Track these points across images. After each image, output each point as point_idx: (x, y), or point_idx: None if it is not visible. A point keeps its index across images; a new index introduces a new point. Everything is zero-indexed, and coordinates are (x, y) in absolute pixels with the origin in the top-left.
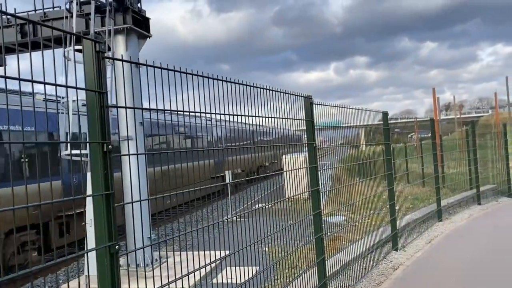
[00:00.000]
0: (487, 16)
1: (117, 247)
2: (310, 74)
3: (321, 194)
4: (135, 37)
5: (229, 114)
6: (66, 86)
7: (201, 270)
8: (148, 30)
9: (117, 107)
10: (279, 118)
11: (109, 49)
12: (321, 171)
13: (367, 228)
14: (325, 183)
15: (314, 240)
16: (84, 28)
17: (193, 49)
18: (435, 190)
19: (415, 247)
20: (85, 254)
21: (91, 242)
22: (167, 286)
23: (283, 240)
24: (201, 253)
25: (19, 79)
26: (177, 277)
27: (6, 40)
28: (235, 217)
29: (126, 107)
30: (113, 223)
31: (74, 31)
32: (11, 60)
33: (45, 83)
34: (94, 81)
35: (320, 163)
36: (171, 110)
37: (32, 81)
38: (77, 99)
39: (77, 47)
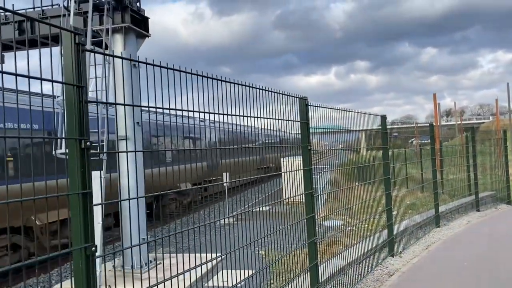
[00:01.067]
0: (488, 23)
1: (93, 248)
2: (311, 77)
3: (316, 197)
4: (134, 36)
5: (224, 114)
6: (53, 81)
7: (196, 271)
8: (147, 29)
9: (97, 102)
10: (274, 119)
11: (107, 48)
12: (320, 174)
13: (364, 233)
14: (324, 186)
15: (307, 244)
16: (82, 27)
17: (194, 51)
18: (433, 196)
19: (411, 253)
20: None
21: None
22: (161, 285)
23: (280, 244)
24: (197, 255)
25: (16, 75)
26: (172, 279)
27: (4, 37)
28: (231, 219)
29: (105, 102)
30: (89, 223)
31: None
32: (9, 59)
33: (41, 79)
34: (72, 74)
35: (320, 166)
36: (169, 108)
37: (29, 77)
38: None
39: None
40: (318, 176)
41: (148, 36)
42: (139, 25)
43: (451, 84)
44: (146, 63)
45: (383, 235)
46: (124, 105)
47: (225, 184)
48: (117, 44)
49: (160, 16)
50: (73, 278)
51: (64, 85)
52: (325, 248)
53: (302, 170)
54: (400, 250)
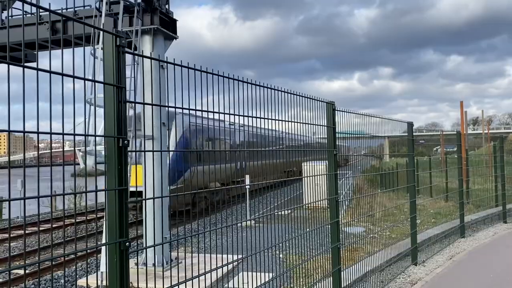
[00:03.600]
0: None
1: (127, 244)
2: (333, 82)
3: (340, 203)
4: (162, 38)
5: (252, 117)
6: (85, 79)
7: (216, 272)
8: (174, 31)
9: (135, 102)
10: (301, 123)
11: (135, 49)
12: (343, 180)
13: (387, 241)
14: (346, 192)
15: (330, 249)
16: (112, 27)
17: (218, 55)
18: (458, 205)
19: (435, 262)
20: (105, 250)
21: None
22: (182, 284)
23: (299, 248)
24: (218, 256)
25: (50, 72)
26: (192, 278)
27: (36, 37)
28: (252, 222)
29: (144, 103)
30: (125, 219)
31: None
32: (41, 58)
33: (74, 77)
34: (113, 75)
35: (342, 172)
36: (195, 110)
37: (62, 75)
38: (94, 95)
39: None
40: (341, 182)
41: (176, 38)
42: (167, 27)
43: (477, 92)
44: (182, 66)
45: (406, 243)
46: (160, 105)
47: (246, 187)
48: (146, 45)
49: (185, 20)
50: (99, 273)
51: (104, 85)
52: (347, 254)
53: (326, 175)
54: (424, 259)
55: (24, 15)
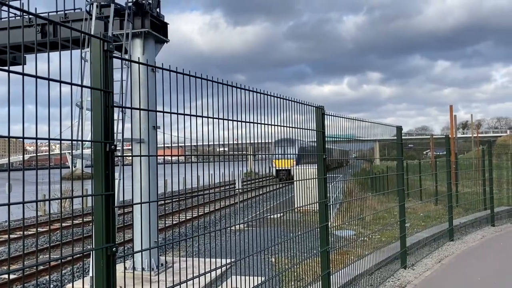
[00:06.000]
0: (499, 38)
1: (114, 249)
2: (323, 87)
3: (330, 206)
4: (153, 41)
5: (241, 121)
6: (72, 84)
7: (206, 276)
8: (165, 35)
9: (122, 107)
10: (291, 127)
11: (126, 52)
12: (333, 183)
13: (376, 244)
14: (336, 196)
15: (320, 253)
16: (103, 31)
17: (209, 60)
18: (447, 209)
19: (424, 266)
20: (91, 255)
21: None
22: None
23: (290, 251)
24: (207, 260)
25: (36, 77)
26: (181, 283)
27: (26, 39)
28: (242, 225)
29: (131, 108)
30: (112, 224)
31: (93, 33)
32: (30, 61)
33: (60, 82)
34: (100, 80)
35: (333, 175)
36: (184, 114)
37: (49, 80)
38: (81, 100)
39: None
40: (331, 185)
41: (166, 42)
42: (158, 31)
43: (464, 97)
44: (170, 70)
45: (395, 247)
46: (148, 110)
47: (237, 190)
48: (136, 49)
49: (177, 25)
50: (86, 278)
51: (91, 90)
52: (337, 257)
53: (316, 179)
54: (413, 263)
55: (14, 18)
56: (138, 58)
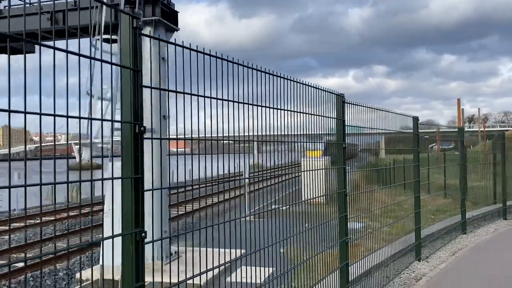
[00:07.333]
0: (506, 32)
1: (143, 234)
2: (328, 80)
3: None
4: (163, 30)
5: (262, 106)
6: (112, 64)
7: (217, 267)
8: (176, 23)
9: (151, 87)
10: (313, 114)
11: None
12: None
13: (388, 237)
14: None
15: (338, 244)
16: (113, 19)
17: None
18: (460, 202)
19: (438, 258)
20: (101, 244)
21: (106, 231)
22: (181, 278)
23: (302, 243)
24: (216, 250)
25: (79, 55)
26: (193, 272)
27: (36, 27)
28: (252, 217)
29: (160, 88)
30: (140, 208)
31: (103, 21)
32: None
33: (102, 61)
34: (129, 58)
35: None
36: (210, 97)
37: (91, 58)
38: (90, 86)
39: (105, 36)
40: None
41: (177, 30)
42: (169, 19)
43: (470, 91)
44: (198, 51)
45: (408, 239)
46: (176, 92)
47: (246, 180)
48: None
49: (183, 16)
50: (98, 266)
51: (121, 68)
52: (350, 249)
53: (335, 168)
54: (427, 255)
55: (25, 5)
56: (150, 47)
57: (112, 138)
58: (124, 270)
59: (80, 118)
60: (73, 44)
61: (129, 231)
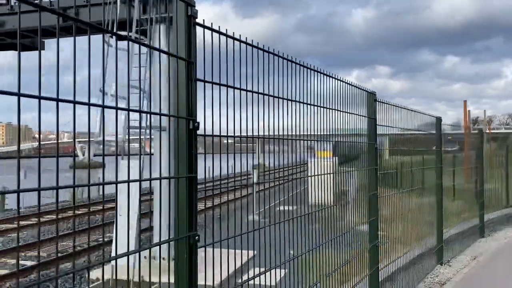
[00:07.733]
0: (510, 34)
1: (196, 238)
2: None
3: (348, 201)
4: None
5: (293, 101)
6: (169, 54)
7: (230, 267)
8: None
9: (204, 81)
10: (345, 112)
11: (148, 38)
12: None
13: (406, 241)
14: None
15: (369, 248)
16: (126, 15)
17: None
18: (477, 205)
19: (460, 262)
20: (113, 243)
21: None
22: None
23: (332, 249)
24: (229, 250)
25: (140, 43)
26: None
27: (45, 24)
28: (259, 217)
29: (212, 82)
30: (194, 210)
31: (117, 17)
32: (47, 45)
33: (160, 51)
34: (184, 48)
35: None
36: (263, 94)
37: (150, 47)
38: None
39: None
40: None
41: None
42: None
43: (474, 93)
44: (246, 43)
45: (429, 243)
46: (234, 87)
47: (254, 181)
48: (160, 35)
49: None
50: (109, 266)
51: (177, 59)
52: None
53: (356, 171)
54: (448, 259)
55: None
56: (167, 43)
57: (128, 136)
58: (179, 276)
59: (128, 110)
60: (81, 41)
61: (184, 235)
